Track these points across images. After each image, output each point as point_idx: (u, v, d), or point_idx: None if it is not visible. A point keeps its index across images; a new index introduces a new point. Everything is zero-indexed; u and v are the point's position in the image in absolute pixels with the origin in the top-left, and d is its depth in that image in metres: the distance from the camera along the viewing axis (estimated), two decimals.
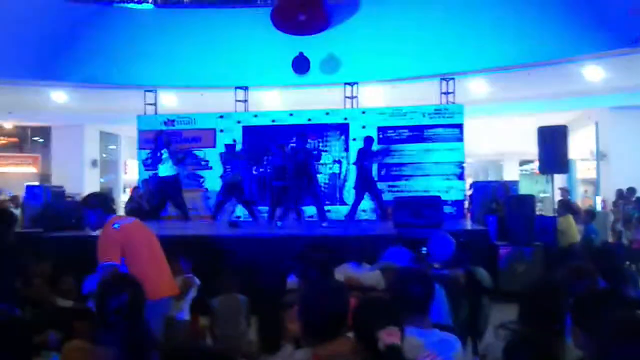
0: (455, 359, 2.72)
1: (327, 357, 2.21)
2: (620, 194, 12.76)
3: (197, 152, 12.74)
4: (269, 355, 3.02)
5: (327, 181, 12.31)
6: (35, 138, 21.00)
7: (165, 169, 10.35)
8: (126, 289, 2.72)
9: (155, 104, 13.54)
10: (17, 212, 12.91)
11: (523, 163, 28.05)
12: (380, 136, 12.27)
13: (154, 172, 11.53)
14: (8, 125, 19.99)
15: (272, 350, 2.88)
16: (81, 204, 4.46)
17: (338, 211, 12.16)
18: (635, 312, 2.65)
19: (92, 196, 4.56)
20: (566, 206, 10.35)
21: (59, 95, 15.76)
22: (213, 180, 12.53)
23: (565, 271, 3.48)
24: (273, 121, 12.76)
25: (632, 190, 12.21)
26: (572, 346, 2.48)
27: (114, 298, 2.66)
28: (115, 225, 4.23)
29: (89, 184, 18.41)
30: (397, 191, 11.81)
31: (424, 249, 4.67)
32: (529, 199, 9.12)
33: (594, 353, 1.73)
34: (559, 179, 14.39)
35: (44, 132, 19.97)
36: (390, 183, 12.14)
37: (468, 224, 10.63)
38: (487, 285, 4.77)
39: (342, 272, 4.51)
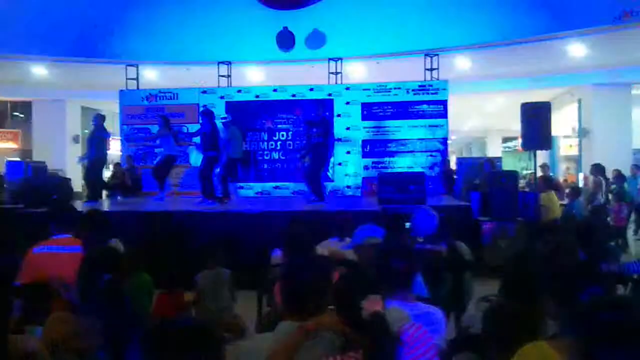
0: (439, 330, 2.74)
1: (312, 329, 2.22)
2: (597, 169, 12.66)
3: (180, 128, 12.61)
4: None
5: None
6: (16, 113, 20.71)
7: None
8: (107, 269, 2.69)
9: (137, 79, 13.37)
10: None
11: (506, 140, 28.23)
12: (365, 112, 12.24)
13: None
14: None
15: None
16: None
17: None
18: (612, 289, 2.69)
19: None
20: (548, 182, 10.42)
21: (39, 70, 15.52)
22: (197, 155, 12.45)
23: (546, 245, 3.51)
24: (257, 97, 12.66)
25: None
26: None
27: (96, 278, 2.64)
28: (34, 250, 4.04)
29: (71, 159, 18.24)
30: (382, 167, 11.82)
31: (408, 223, 4.68)
32: (512, 176, 9.19)
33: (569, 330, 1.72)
34: (542, 156, 14.48)
35: (25, 107, 19.71)
36: (375, 159, 12.15)
37: (447, 200, 10.68)
38: (469, 260, 4.81)
39: (326, 247, 4.52)
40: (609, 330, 1.52)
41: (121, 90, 13.14)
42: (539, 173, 11.55)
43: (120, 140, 13.07)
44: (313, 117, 10.25)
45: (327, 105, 12.11)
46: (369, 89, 12.43)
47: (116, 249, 3.56)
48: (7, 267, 3.91)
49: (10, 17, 12.85)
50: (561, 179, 17.53)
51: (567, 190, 11.45)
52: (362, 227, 3.97)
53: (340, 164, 12.18)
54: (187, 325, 1.66)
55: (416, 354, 2.09)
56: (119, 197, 10.70)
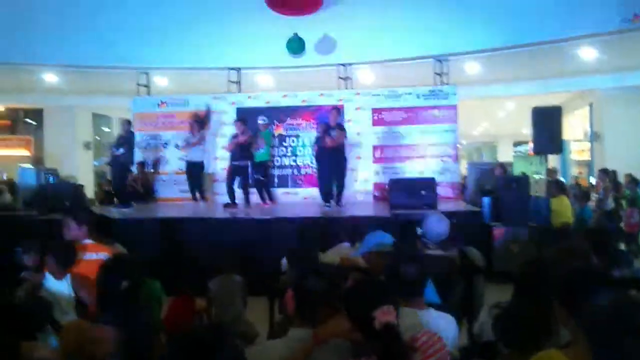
0: (451, 337, 2.74)
1: (326, 336, 2.22)
2: (606, 174, 12.54)
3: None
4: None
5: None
6: (28, 120, 20.85)
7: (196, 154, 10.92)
8: (125, 275, 2.70)
9: (148, 86, 13.44)
10: (7, 197, 12.86)
11: (517, 144, 28.12)
12: (375, 118, 12.24)
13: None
14: (0, 107, 19.85)
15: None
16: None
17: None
18: (625, 293, 2.67)
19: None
20: (559, 187, 10.36)
21: (50, 77, 15.64)
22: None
23: (558, 250, 3.50)
24: (267, 102, 12.70)
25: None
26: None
27: (114, 285, 2.64)
28: (92, 256, 3.98)
29: (82, 166, 18.36)
30: (392, 173, 11.79)
31: (419, 229, 4.67)
32: (523, 180, 9.16)
33: (582, 335, 1.74)
34: (553, 160, 14.41)
35: (36, 114, 19.83)
36: (385, 165, 12.13)
37: (462, 205, 10.65)
38: (480, 265, 4.80)
39: (338, 253, 4.53)
40: (612, 322, 1.56)
41: (134, 98, 13.21)
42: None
43: None
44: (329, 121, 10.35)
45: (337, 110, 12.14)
46: (379, 94, 12.43)
47: (133, 256, 3.56)
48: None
49: (21, 24, 12.95)
50: (573, 183, 17.41)
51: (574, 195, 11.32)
52: (370, 234, 3.97)
53: (350, 169, 12.18)
54: (202, 331, 1.69)
55: None
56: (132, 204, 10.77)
